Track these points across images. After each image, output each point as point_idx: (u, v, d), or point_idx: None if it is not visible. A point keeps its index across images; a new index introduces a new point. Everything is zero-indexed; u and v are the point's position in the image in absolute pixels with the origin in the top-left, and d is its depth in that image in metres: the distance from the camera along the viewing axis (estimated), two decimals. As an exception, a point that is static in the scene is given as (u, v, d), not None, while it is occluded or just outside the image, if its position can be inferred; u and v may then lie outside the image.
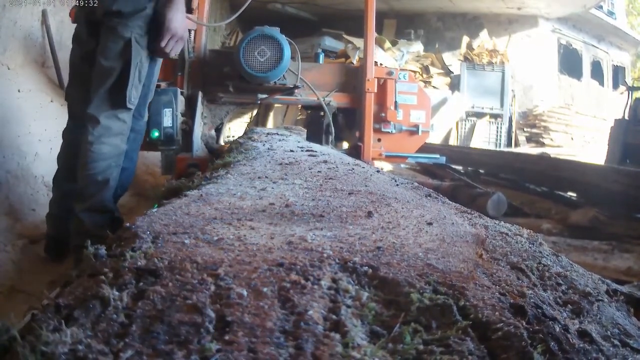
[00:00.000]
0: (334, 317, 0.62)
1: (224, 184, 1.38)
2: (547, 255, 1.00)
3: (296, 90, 3.21)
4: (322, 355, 0.54)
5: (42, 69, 3.54)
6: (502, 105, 10.69)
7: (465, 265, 0.82)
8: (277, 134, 2.96)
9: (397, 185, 1.59)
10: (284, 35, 2.94)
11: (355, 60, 9.11)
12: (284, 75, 3.07)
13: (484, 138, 10.54)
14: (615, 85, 13.40)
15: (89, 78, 2.08)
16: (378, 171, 1.97)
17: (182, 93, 2.98)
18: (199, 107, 3.04)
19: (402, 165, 6.64)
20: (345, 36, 9.97)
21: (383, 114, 3.33)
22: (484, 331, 0.64)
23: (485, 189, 4.39)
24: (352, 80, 3.38)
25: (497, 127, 10.66)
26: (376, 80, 3.28)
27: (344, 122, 3.63)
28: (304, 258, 0.77)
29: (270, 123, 7.58)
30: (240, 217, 1.01)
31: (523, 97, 11.33)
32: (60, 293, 0.68)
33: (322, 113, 3.36)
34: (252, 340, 0.55)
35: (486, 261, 0.88)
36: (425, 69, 10.70)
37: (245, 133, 3.42)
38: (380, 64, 8.87)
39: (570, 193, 5.15)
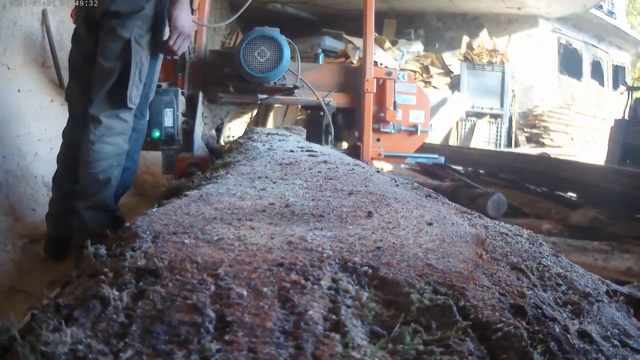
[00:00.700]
0: (334, 317, 0.62)
1: (224, 184, 1.38)
2: (547, 256, 1.00)
3: (296, 91, 3.23)
4: (322, 355, 0.54)
5: (42, 69, 3.54)
6: (502, 105, 10.69)
7: (465, 265, 0.82)
8: (277, 134, 2.96)
9: (397, 185, 1.59)
10: (283, 36, 2.96)
11: (355, 60, 9.11)
12: (283, 76, 3.08)
13: (484, 138, 10.54)
14: (616, 85, 13.40)
15: (89, 78, 2.08)
16: (378, 171, 1.97)
17: (182, 93, 3.00)
18: (200, 107, 3.06)
19: (402, 166, 6.64)
20: (345, 36, 9.98)
21: (382, 114, 3.35)
22: (484, 331, 0.64)
23: (485, 189, 4.39)
24: (351, 80, 3.40)
25: (497, 127, 10.66)
26: (375, 80, 3.30)
27: (343, 122, 3.64)
28: (304, 258, 0.77)
29: (270, 123, 7.57)
30: (240, 217, 1.01)
31: (523, 97, 11.33)
32: (60, 293, 0.68)
33: (321, 113, 3.37)
34: (252, 340, 0.55)
35: (486, 261, 0.88)
36: (425, 69, 10.70)
37: (245, 133, 3.43)
38: (381, 64, 8.87)
39: (570, 193, 5.16)
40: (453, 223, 1.10)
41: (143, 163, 4.13)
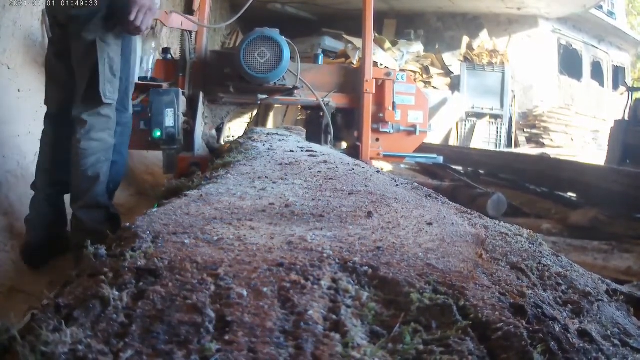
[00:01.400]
0: (334, 317, 0.62)
1: (224, 184, 1.38)
2: (547, 255, 1.00)
3: (296, 91, 3.25)
4: (322, 355, 0.54)
5: (42, 69, 3.52)
6: (502, 105, 10.69)
7: (465, 265, 0.82)
8: (277, 134, 2.97)
9: (397, 185, 1.59)
10: (283, 37, 2.98)
11: (355, 61, 9.12)
12: (283, 76, 3.11)
13: (484, 138, 10.54)
14: (616, 86, 13.40)
15: (63, 76, 2.14)
16: (378, 171, 1.97)
17: (183, 93, 3.03)
18: (200, 107, 3.08)
19: (402, 166, 6.64)
20: (345, 36, 9.98)
21: (381, 114, 3.38)
22: (484, 331, 0.64)
23: (485, 190, 4.39)
24: (350, 81, 3.42)
25: (497, 128, 10.66)
26: (374, 81, 3.34)
27: (342, 122, 3.66)
28: (304, 258, 0.77)
29: (270, 123, 7.57)
30: (240, 217, 1.01)
31: (523, 97, 11.33)
32: (60, 293, 0.68)
33: (321, 113, 3.39)
34: (252, 340, 0.55)
35: (486, 261, 0.88)
36: (425, 69, 10.70)
37: (245, 133, 3.44)
38: (381, 65, 8.88)
39: (570, 193, 5.16)
40: (453, 223, 1.10)
41: (143, 163, 4.14)
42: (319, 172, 1.65)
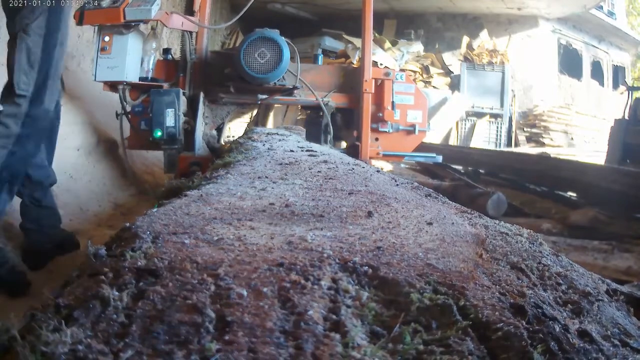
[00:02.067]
0: (334, 317, 0.62)
1: (224, 184, 1.38)
2: (547, 255, 1.00)
3: (295, 91, 3.27)
4: (322, 355, 0.54)
5: (42, 69, 3.53)
6: (502, 105, 10.69)
7: (465, 265, 0.82)
8: (277, 134, 2.97)
9: (397, 185, 1.59)
10: (283, 37, 2.99)
11: (355, 61, 9.12)
12: (283, 76, 3.13)
13: (484, 138, 10.54)
14: (615, 85, 13.40)
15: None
16: (378, 171, 1.97)
17: (184, 93, 3.04)
18: (201, 107, 3.10)
19: (402, 165, 6.65)
20: (345, 36, 9.98)
21: (380, 114, 3.41)
22: (484, 331, 0.64)
23: (485, 189, 4.39)
24: (350, 81, 3.45)
25: (497, 127, 10.66)
26: (374, 81, 3.36)
27: (342, 121, 3.68)
28: (304, 258, 0.77)
29: (270, 123, 7.58)
30: (240, 217, 1.01)
31: (523, 97, 11.32)
32: (60, 293, 0.68)
33: (320, 113, 3.40)
34: (252, 340, 0.55)
35: (486, 261, 0.88)
36: (425, 69, 10.70)
37: (245, 133, 3.44)
38: (381, 64, 8.88)
39: (570, 193, 5.15)
40: (453, 223, 1.10)
41: (142, 163, 4.14)
42: (319, 172, 1.65)
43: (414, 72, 10.42)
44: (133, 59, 2.90)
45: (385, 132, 3.42)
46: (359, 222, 1.04)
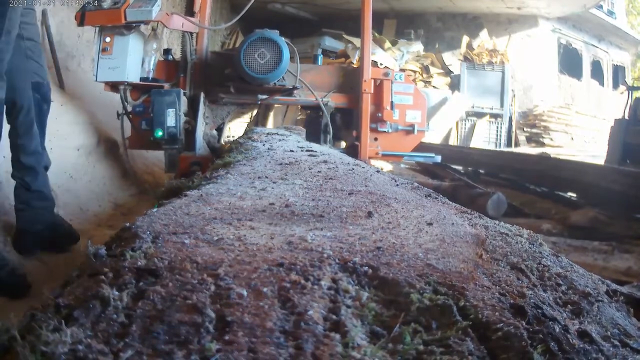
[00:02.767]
0: (334, 317, 0.62)
1: (224, 184, 1.38)
2: (547, 256, 1.00)
3: (295, 91, 3.28)
4: (322, 355, 0.54)
5: (42, 69, 3.53)
6: (502, 105, 10.69)
7: (465, 265, 0.82)
8: (277, 134, 2.98)
9: (397, 185, 1.59)
10: (283, 38, 3.00)
11: (355, 60, 9.13)
12: (283, 77, 3.15)
13: (484, 138, 10.54)
14: (615, 85, 13.40)
15: None
16: (378, 171, 1.97)
17: (184, 94, 3.06)
18: (201, 107, 3.11)
19: (402, 165, 6.65)
20: (345, 36, 9.99)
21: (380, 114, 3.42)
22: (484, 331, 0.64)
23: (485, 189, 4.39)
24: (349, 81, 3.46)
25: (497, 127, 10.66)
26: (373, 81, 3.38)
27: (341, 121, 3.69)
28: (304, 258, 0.77)
29: (270, 123, 7.58)
30: (240, 217, 1.01)
31: (523, 97, 11.33)
32: (60, 293, 0.68)
33: (320, 113, 3.42)
34: (252, 340, 0.55)
35: (486, 261, 0.88)
36: (425, 69, 10.70)
37: (245, 133, 3.45)
38: (381, 64, 8.89)
39: (570, 193, 5.15)
40: (453, 223, 1.10)
41: (143, 163, 4.14)
42: (319, 172, 1.65)
43: (414, 72, 10.42)
44: (134, 59, 2.91)
45: (385, 132, 3.44)
46: (359, 222, 1.04)
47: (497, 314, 0.67)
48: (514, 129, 10.87)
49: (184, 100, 2.98)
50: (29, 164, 2.22)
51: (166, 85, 3.07)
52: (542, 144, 10.58)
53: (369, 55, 3.41)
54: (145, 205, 2.77)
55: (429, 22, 11.69)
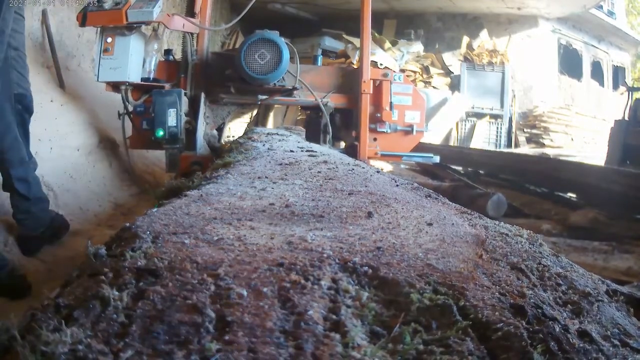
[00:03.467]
0: (334, 317, 0.62)
1: (224, 184, 1.38)
2: (547, 256, 1.00)
3: (295, 92, 3.29)
4: (322, 355, 0.54)
5: (42, 69, 3.54)
6: (502, 105, 10.68)
7: (465, 265, 0.82)
8: (277, 134, 2.98)
9: (397, 185, 1.59)
10: (283, 38, 3.02)
11: (355, 60, 9.13)
12: (283, 77, 3.16)
13: (484, 138, 10.53)
14: (616, 86, 13.39)
15: None
16: (378, 171, 1.97)
17: (185, 94, 3.07)
18: (202, 108, 3.13)
19: (402, 166, 6.65)
20: (345, 36, 9.99)
21: (379, 114, 3.45)
22: (484, 331, 0.64)
23: (485, 190, 4.39)
24: (349, 81, 3.48)
25: (497, 128, 10.65)
26: (372, 81, 3.40)
27: (341, 122, 3.71)
28: (304, 258, 0.77)
29: (270, 123, 7.58)
30: (240, 217, 1.01)
31: (523, 97, 11.32)
32: (60, 293, 0.68)
33: (320, 113, 3.43)
34: (252, 340, 0.55)
35: (486, 261, 0.88)
36: (426, 69, 10.70)
37: (245, 133, 3.46)
38: (381, 64, 8.89)
39: (570, 194, 5.15)
40: (453, 223, 1.10)
41: (143, 163, 4.14)
42: (319, 172, 1.65)
43: (414, 72, 10.41)
44: (135, 59, 2.91)
45: (384, 132, 3.46)
46: (359, 222, 1.04)
47: (497, 313, 0.67)
48: (514, 129, 10.87)
49: (184, 100, 3.00)
50: (18, 175, 2.24)
51: (167, 86, 3.08)
52: (542, 145, 10.58)
53: (368, 56, 3.43)
54: (145, 205, 2.77)
55: (429, 22, 11.69)
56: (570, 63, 12.16)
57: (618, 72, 13.94)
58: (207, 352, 0.53)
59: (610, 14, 12.98)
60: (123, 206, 3.35)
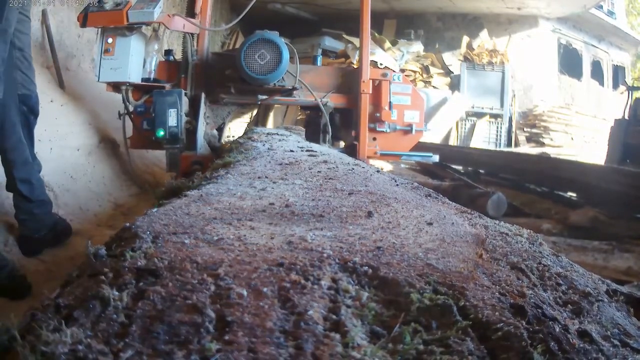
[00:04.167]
0: (334, 317, 0.62)
1: (224, 184, 1.38)
2: (547, 256, 1.00)
3: (295, 92, 3.30)
4: (322, 355, 0.54)
5: (42, 69, 3.54)
6: (502, 105, 10.68)
7: (465, 265, 0.82)
8: (277, 134, 2.99)
9: (397, 185, 1.59)
10: (283, 39, 3.03)
11: (355, 60, 9.13)
12: (283, 77, 3.17)
13: (484, 138, 10.53)
14: (615, 85, 13.39)
15: None
16: (378, 171, 1.97)
17: (186, 94, 3.08)
18: (202, 108, 3.13)
19: (402, 165, 6.65)
20: (345, 36, 9.99)
21: (378, 114, 3.46)
22: (484, 331, 0.64)
23: (485, 189, 4.39)
24: (348, 81, 3.50)
25: (497, 127, 10.65)
26: (371, 81, 3.42)
27: (340, 121, 3.72)
28: (304, 258, 0.77)
29: (270, 123, 7.59)
30: (240, 217, 1.01)
31: (523, 97, 11.32)
32: (60, 293, 0.68)
33: (319, 113, 3.44)
34: (252, 340, 0.55)
35: (486, 261, 0.88)
36: (426, 69, 10.70)
37: (245, 133, 3.46)
38: (381, 64, 8.89)
39: (570, 193, 5.15)
40: (453, 223, 1.10)
41: (143, 163, 4.14)
42: (319, 172, 1.65)
43: (414, 72, 10.41)
44: (136, 60, 2.92)
45: (383, 131, 3.47)
46: (359, 222, 1.04)
47: (497, 313, 0.67)
48: (514, 129, 10.87)
49: (185, 100, 3.00)
50: (21, 177, 2.24)
51: (167, 86, 3.09)
52: (542, 144, 10.58)
53: (367, 56, 3.44)
54: (145, 205, 2.77)
55: (429, 22, 11.69)
56: (570, 63, 12.16)
57: (618, 72, 13.94)
58: (207, 352, 0.53)
59: (610, 13, 12.98)
60: (123, 206, 3.35)
